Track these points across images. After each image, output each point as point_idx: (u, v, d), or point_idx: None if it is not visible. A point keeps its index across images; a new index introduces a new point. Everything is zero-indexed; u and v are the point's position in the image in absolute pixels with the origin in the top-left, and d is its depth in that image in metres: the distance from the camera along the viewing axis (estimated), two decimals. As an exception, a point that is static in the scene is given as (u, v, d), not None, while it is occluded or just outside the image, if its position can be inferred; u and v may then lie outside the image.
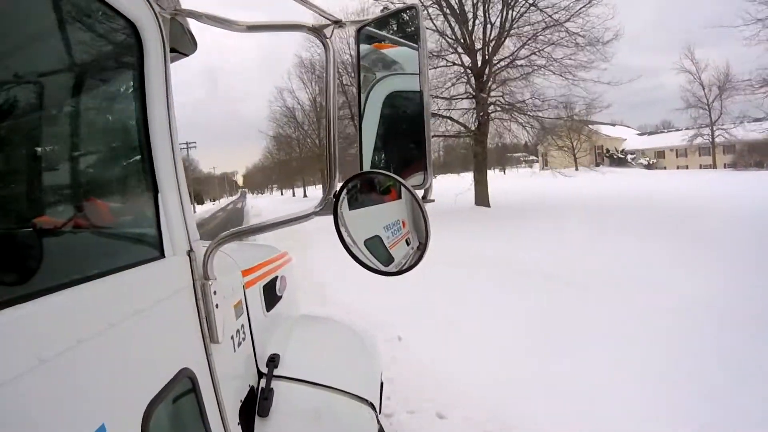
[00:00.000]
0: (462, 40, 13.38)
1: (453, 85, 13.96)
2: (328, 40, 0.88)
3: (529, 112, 13.53)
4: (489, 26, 13.19)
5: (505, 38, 13.02)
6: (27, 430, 0.45)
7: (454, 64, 13.87)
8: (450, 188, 15.37)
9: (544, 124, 14.05)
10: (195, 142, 50.39)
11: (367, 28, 1.00)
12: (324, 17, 0.90)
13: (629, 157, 45.33)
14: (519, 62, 13.19)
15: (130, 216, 0.83)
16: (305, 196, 47.69)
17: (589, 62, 12.56)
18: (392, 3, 12.37)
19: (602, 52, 12.37)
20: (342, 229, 0.83)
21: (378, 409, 1.31)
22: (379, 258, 0.91)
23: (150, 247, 0.76)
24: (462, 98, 13.98)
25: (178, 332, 0.79)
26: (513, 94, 13.55)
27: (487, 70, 13.30)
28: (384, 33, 1.04)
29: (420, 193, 0.86)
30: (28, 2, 0.61)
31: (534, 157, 60.33)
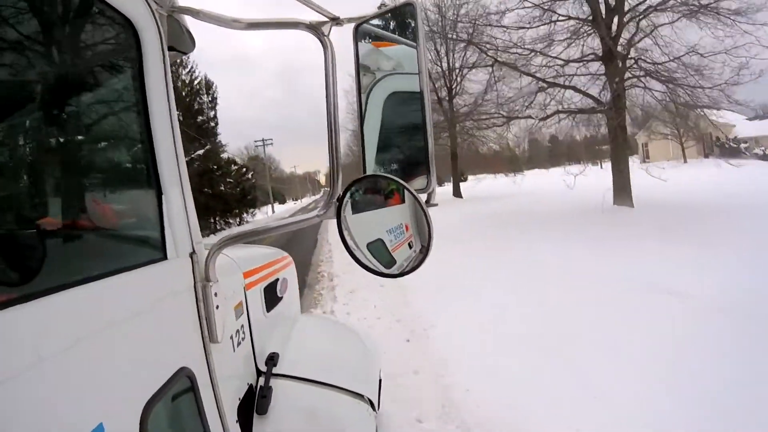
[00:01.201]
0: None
1: (567, 47, 10.32)
2: (326, 37, 0.87)
3: (678, 79, 9.19)
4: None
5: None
6: (26, 429, 0.46)
7: (569, 17, 10.16)
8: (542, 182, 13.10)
9: (698, 96, 9.47)
10: (271, 139, 49.11)
11: (365, 25, 1.00)
12: (321, 14, 0.89)
13: (742, 146, 36.15)
14: (663, 6, 9.05)
15: (133, 217, 0.83)
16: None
17: (750, 7, 8.34)
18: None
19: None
20: (345, 233, 0.83)
21: (377, 406, 1.33)
22: (381, 261, 0.91)
23: (153, 248, 0.76)
24: (576, 62, 10.36)
25: (178, 332, 0.79)
26: (647, 53, 9.61)
27: (616, 21, 9.54)
28: (382, 31, 1.03)
29: (423, 197, 0.86)
30: (25, 1, 0.60)
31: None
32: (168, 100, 0.81)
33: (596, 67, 10.51)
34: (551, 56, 10.53)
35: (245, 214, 25.46)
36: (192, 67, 23.22)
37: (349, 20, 0.97)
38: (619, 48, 9.62)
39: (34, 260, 0.55)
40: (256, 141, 49.29)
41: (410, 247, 0.99)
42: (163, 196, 0.77)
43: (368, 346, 1.63)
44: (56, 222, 0.64)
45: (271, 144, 48.50)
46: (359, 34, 1.00)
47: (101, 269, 0.62)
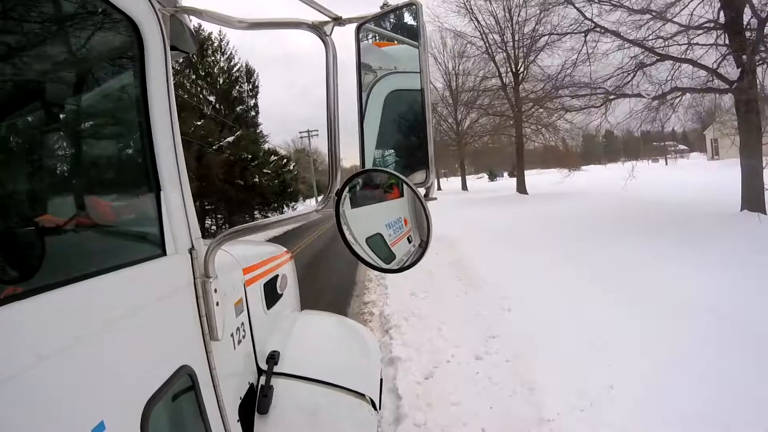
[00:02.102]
0: None
1: (665, 22, 8.45)
2: (328, 37, 0.88)
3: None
4: None
5: None
6: (26, 427, 0.46)
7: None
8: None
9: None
10: (317, 131, 45.37)
11: (367, 25, 1.00)
12: (324, 14, 0.90)
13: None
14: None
15: (133, 214, 0.83)
16: (439, 188, 41.21)
17: None
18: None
19: None
20: (344, 227, 0.83)
21: (378, 405, 1.32)
22: (380, 255, 0.92)
23: (152, 244, 0.76)
24: (696, 29, 8.16)
25: (178, 329, 0.79)
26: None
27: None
28: (384, 30, 1.04)
29: (422, 191, 0.86)
30: (28, 0, 0.61)
31: (684, 147, 49.21)
32: (168, 99, 0.81)
33: (706, 38, 8.49)
34: (668, 20, 8.28)
35: (286, 208, 23.37)
36: (231, 53, 21.49)
37: (351, 20, 0.97)
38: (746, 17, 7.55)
39: (33, 257, 0.55)
40: (300, 132, 46.28)
41: (409, 241, 0.99)
42: (161, 193, 0.77)
43: (369, 343, 1.63)
44: (55, 219, 0.64)
45: (317, 135, 45.09)
46: (361, 34, 1.00)
47: (100, 266, 0.62)
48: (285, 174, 22.87)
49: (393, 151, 1.02)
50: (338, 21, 0.92)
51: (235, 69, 21.94)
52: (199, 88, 20.29)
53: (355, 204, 0.89)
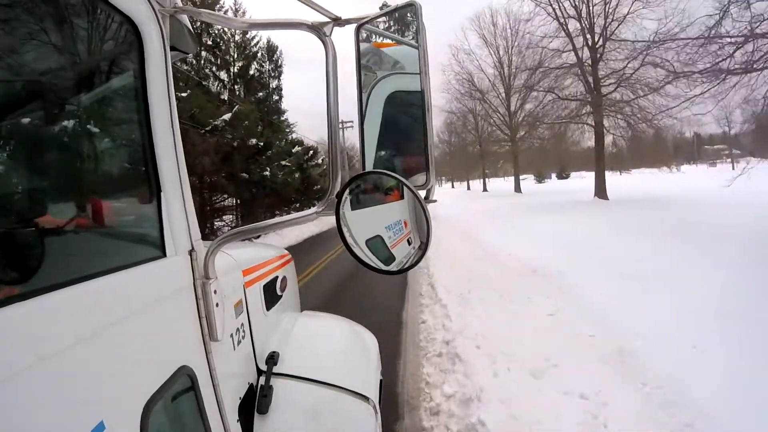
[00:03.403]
0: None
1: None
2: (327, 38, 0.88)
3: None
4: None
5: None
6: (26, 428, 0.46)
7: None
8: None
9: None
10: (352, 122, 43.62)
11: (367, 25, 1.00)
12: (323, 14, 0.90)
13: None
14: None
15: (132, 215, 0.83)
16: (485, 190, 37.66)
17: None
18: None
19: None
20: (344, 229, 0.83)
21: (377, 406, 1.32)
22: (380, 257, 0.92)
23: (152, 246, 0.76)
24: None
25: (178, 330, 0.79)
26: None
27: None
28: (384, 31, 1.04)
29: (422, 193, 0.86)
30: (28, 1, 0.61)
31: (737, 150, 45.60)
32: (169, 99, 0.81)
33: None
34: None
35: (311, 207, 19.50)
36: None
37: (351, 21, 0.97)
38: None
39: (33, 258, 0.55)
40: (339, 123, 45.15)
41: (409, 243, 0.99)
42: (162, 194, 0.77)
43: (369, 344, 1.63)
44: (55, 220, 0.64)
45: (351, 127, 41.73)
46: (361, 35, 1.00)
47: (100, 267, 0.63)
48: (311, 169, 18.59)
49: (394, 152, 1.02)
50: (337, 22, 0.92)
51: (253, 43, 18.29)
52: (201, 61, 16.30)
53: (355, 206, 0.90)
